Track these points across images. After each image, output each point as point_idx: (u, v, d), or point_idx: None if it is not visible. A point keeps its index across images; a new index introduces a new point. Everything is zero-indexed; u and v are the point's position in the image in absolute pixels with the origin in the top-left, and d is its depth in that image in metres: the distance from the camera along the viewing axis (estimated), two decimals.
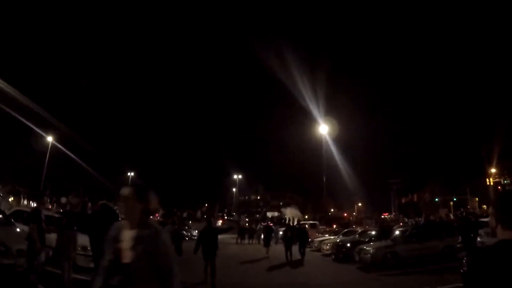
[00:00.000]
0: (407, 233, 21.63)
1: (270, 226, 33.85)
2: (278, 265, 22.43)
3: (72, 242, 11.30)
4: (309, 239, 34.21)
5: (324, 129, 50.46)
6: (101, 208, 11.76)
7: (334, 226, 46.96)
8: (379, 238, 23.80)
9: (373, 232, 27.09)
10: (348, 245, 24.26)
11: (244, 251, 32.54)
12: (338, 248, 25.02)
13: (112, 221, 4.17)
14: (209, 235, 15.36)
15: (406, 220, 68.47)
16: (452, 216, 67.18)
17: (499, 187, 69.41)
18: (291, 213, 69.56)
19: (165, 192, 78.78)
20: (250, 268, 22.30)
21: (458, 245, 20.67)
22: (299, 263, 23.29)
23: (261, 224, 44.78)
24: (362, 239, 25.51)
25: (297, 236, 25.48)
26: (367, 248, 20.58)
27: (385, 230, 25.85)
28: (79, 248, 12.88)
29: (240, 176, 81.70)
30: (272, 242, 32.48)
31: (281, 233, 32.52)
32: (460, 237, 21.27)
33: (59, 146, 57.42)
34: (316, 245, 32.02)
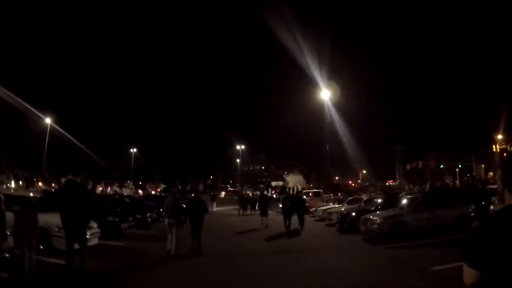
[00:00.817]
0: (417, 201, 19.95)
1: (265, 195, 32.38)
2: (276, 235, 21.67)
3: (30, 224, 10.15)
4: (310, 208, 33.46)
5: (325, 94, 48.51)
6: (67, 185, 11.01)
7: (339, 194, 45.19)
8: (386, 206, 22.15)
9: (379, 200, 25.42)
10: (353, 214, 22.62)
11: (244, 222, 31.46)
12: (342, 217, 23.36)
13: (80, 196, 3.17)
14: (196, 205, 16.13)
15: (412, 187, 66.89)
16: (458, 183, 65.97)
17: (505, 154, 67.31)
18: (294, 181, 68.17)
19: (167, 166, 78.24)
20: (245, 237, 21.91)
21: (472, 214, 19.04)
22: (296, 233, 22.65)
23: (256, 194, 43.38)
24: (368, 207, 23.88)
25: (294, 205, 24.56)
26: (373, 218, 18.87)
27: (391, 198, 24.20)
28: (56, 229, 12.81)
29: (243, 147, 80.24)
30: (274, 212, 31.04)
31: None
32: (473, 205, 19.60)
33: (57, 127, 56.56)
34: (320, 214, 30.36)
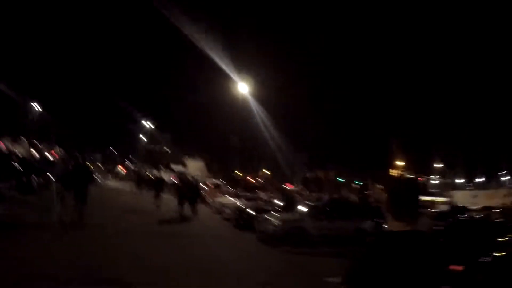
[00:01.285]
0: (318, 209, 19.53)
1: (161, 178, 31.14)
2: (168, 220, 21.55)
3: None
4: (208, 200, 33.21)
5: (242, 86, 47.62)
6: None
7: (238, 189, 44.55)
8: (285, 209, 21.62)
9: (279, 202, 24.87)
10: (251, 211, 21.85)
11: (137, 200, 30.18)
12: (240, 213, 22.53)
13: None
14: (80, 172, 15.61)
15: (309, 194, 67.56)
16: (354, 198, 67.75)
17: (390, 180, 70.52)
18: (194, 167, 66.75)
19: (67, 130, 73.91)
20: (135, 216, 21.12)
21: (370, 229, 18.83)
22: (189, 220, 22.44)
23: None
24: (266, 207, 23.20)
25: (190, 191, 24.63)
26: (273, 219, 18.17)
27: (291, 201, 23.78)
28: None
29: (150, 124, 77.74)
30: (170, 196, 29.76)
31: None
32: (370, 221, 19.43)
33: None
34: (217, 206, 29.35)
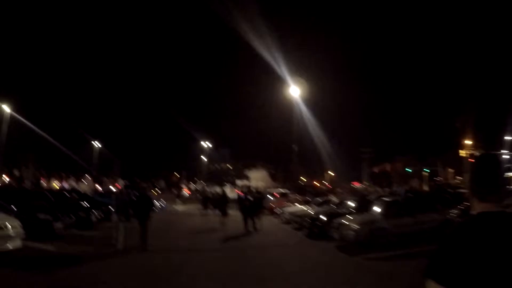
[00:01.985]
0: (397, 204, 17.51)
1: (225, 193, 29.79)
2: (234, 236, 20.47)
3: None
4: (275, 210, 32.43)
5: (295, 91, 45.94)
6: None
7: (306, 195, 42.62)
8: (360, 210, 19.65)
9: (351, 203, 22.83)
10: (324, 218, 20.01)
11: (204, 221, 29.29)
12: (312, 221, 20.72)
13: None
14: (143, 202, 16.05)
15: (379, 189, 64.66)
16: (425, 187, 64.41)
17: (470, 159, 67.03)
18: (257, 177, 65.20)
19: (130, 161, 75.11)
20: (199, 237, 20.91)
21: (457, 219, 16.65)
22: (257, 235, 21.44)
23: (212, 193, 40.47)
24: (339, 210, 21.33)
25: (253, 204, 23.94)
26: (349, 223, 16.29)
27: (364, 201, 21.78)
28: None
29: (208, 144, 77.52)
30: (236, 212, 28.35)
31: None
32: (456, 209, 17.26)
33: (15, 114, 52.25)
34: (286, 216, 27.68)
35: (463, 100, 60.37)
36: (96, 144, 73.64)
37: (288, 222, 26.49)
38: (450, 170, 73.54)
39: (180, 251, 15.60)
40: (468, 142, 61.96)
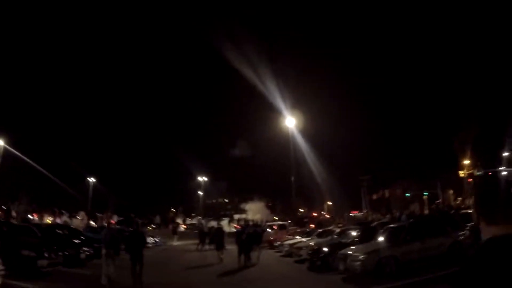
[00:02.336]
0: (404, 230, 16.45)
1: (220, 227, 28.57)
2: (232, 270, 19.78)
3: None
4: (275, 243, 31.46)
5: (291, 122, 45.27)
6: None
7: (308, 226, 41.30)
8: (363, 239, 18.58)
9: (354, 232, 21.72)
10: (326, 249, 18.91)
11: (200, 257, 27.98)
12: (313, 253, 19.58)
13: None
14: (136, 237, 15.95)
15: (379, 216, 63.37)
16: (426, 211, 63.17)
17: (470, 180, 66.26)
18: (254, 210, 63.82)
19: (126, 197, 73.79)
20: (195, 272, 20.03)
21: (467, 240, 15.64)
22: (256, 269, 20.41)
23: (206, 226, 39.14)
24: (342, 240, 20.27)
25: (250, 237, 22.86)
26: (355, 254, 15.19)
27: (368, 229, 20.76)
28: None
29: (205, 178, 76.45)
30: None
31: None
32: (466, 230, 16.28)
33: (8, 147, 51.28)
34: (286, 249, 26.52)
35: (460, 119, 59.71)
36: (91, 179, 74.17)
37: (288, 255, 25.39)
38: (450, 191, 72.51)
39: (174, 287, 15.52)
40: (466, 162, 61.11)
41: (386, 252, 14.79)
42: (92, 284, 14.98)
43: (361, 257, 14.58)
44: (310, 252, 19.93)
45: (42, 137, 67.14)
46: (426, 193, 76.06)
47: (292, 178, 46.29)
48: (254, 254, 22.61)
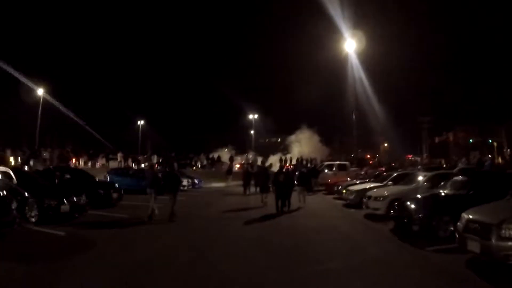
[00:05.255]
0: None
1: (265, 168, 24.24)
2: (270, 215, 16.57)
3: None
4: (335, 187, 25.20)
5: (350, 46, 37.21)
6: None
7: (380, 168, 33.38)
8: (476, 190, 11.50)
9: (447, 181, 14.35)
10: (421, 202, 12.09)
11: (244, 200, 23.26)
12: (401, 209, 12.63)
13: None
14: (170, 179, 16.02)
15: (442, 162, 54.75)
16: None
17: None
18: (306, 142, 55.89)
19: (175, 138, 69.04)
20: (232, 214, 17.46)
21: None
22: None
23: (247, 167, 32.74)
24: (438, 191, 13.13)
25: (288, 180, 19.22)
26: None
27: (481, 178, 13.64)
28: None
29: (256, 116, 69.34)
30: None
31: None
32: None
33: (51, 98, 49.24)
34: (352, 197, 19.80)
35: None
36: (141, 122, 72.13)
37: (354, 204, 18.69)
38: None
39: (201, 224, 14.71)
40: None
41: None
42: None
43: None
44: (396, 206, 13.01)
45: (79, 83, 64.21)
46: (490, 141, 67.09)
47: (354, 112, 38.71)
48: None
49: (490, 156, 51.80)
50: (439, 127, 72.31)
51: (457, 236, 8.78)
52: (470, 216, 8.48)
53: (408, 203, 12.29)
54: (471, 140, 71.65)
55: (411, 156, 69.35)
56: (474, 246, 7.94)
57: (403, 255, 9.83)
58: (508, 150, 61.29)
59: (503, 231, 7.40)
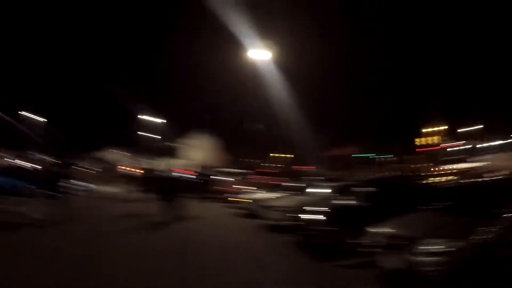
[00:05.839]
0: None
1: (163, 172, 22.19)
2: None
3: None
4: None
5: (259, 54, 36.32)
6: None
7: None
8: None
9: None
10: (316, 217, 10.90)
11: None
12: (298, 219, 11.36)
13: None
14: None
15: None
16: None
17: None
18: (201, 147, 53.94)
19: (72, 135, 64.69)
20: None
21: None
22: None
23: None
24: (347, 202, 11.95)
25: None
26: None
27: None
28: None
29: (159, 120, 67.47)
30: None
31: None
32: None
33: None
34: (247, 206, 18.40)
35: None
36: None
37: (250, 215, 17.35)
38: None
39: None
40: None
41: None
42: None
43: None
44: (294, 217, 11.68)
45: None
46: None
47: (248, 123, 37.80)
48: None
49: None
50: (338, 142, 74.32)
51: (363, 250, 7.80)
52: (384, 230, 7.45)
53: (308, 214, 11.10)
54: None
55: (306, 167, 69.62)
56: (386, 261, 7.00)
57: (305, 270, 8.78)
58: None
59: (423, 246, 6.69)
